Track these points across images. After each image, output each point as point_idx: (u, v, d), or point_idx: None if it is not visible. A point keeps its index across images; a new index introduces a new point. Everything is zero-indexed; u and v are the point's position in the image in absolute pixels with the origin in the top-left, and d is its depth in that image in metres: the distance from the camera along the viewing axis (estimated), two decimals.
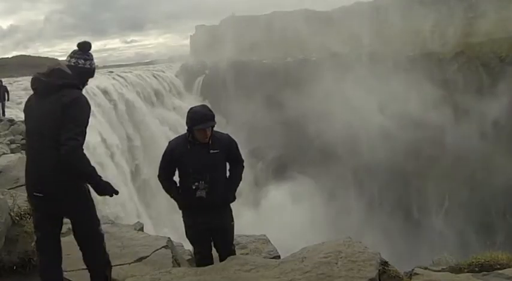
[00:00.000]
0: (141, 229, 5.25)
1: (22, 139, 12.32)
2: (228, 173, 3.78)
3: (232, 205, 3.83)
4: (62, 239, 4.31)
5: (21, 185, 5.92)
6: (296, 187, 31.55)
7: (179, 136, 3.72)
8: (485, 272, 3.69)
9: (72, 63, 3.13)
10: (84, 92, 3.20)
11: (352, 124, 31.41)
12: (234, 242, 4.00)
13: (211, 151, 3.57)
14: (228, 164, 3.77)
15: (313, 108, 33.96)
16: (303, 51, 43.24)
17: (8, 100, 18.05)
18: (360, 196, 32.36)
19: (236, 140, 3.82)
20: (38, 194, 3.01)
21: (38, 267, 3.66)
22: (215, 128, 3.65)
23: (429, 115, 31.01)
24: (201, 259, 3.86)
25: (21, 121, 15.13)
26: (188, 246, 4.46)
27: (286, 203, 29.54)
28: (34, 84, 3.07)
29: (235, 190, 3.78)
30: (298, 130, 35.96)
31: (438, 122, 30.94)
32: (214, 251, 3.91)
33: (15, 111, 19.33)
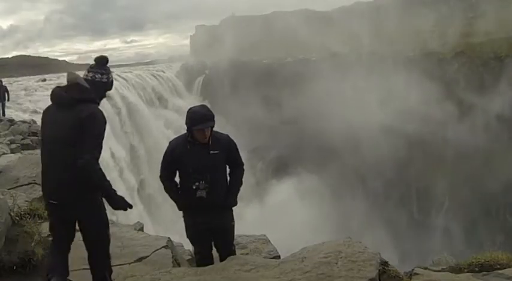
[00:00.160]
0: (141, 229, 5.26)
1: (22, 139, 12.30)
2: (228, 177, 3.77)
3: None
4: None
5: (21, 185, 5.94)
6: (297, 186, 31.53)
7: (179, 136, 3.72)
8: (485, 272, 3.69)
9: (90, 78, 3.24)
10: None
11: (352, 124, 31.41)
12: (234, 242, 4.00)
13: (211, 152, 3.57)
14: (228, 168, 3.76)
15: (314, 107, 33.96)
16: (303, 51, 43.26)
17: (8, 100, 18.04)
18: (361, 195, 32.37)
19: (236, 140, 3.81)
20: (53, 202, 3.17)
21: (39, 267, 3.67)
22: (215, 128, 3.66)
23: (429, 115, 31.04)
24: (201, 259, 3.86)
25: (21, 121, 15.13)
26: (188, 246, 4.46)
27: (287, 202, 29.50)
28: (53, 98, 3.21)
29: (237, 195, 3.77)
30: (298, 130, 35.98)
31: (438, 121, 30.97)
32: (214, 251, 3.91)
33: (15, 112, 19.36)
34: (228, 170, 3.79)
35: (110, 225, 3.42)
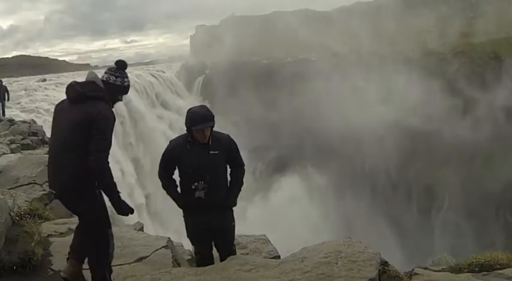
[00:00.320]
0: (141, 229, 5.25)
1: (22, 139, 12.28)
2: (229, 178, 3.76)
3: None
4: (61, 239, 4.33)
5: (21, 185, 5.94)
6: (298, 186, 31.56)
7: (179, 136, 3.72)
8: (485, 272, 3.69)
9: (105, 79, 3.34)
10: None
11: (352, 123, 31.41)
12: (234, 242, 3.99)
13: (211, 152, 3.56)
14: (228, 168, 3.75)
15: (314, 107, 33.96)
16: (303, 51, 43.26)
17: (8, 100, 18.02)
18: (362, 195, 32.33)
19: (236, 140, 3.81)
20: (53, 192, 3.35)
21: (39, 267, 3.67)
22: (215, 128, 3.65)
23: (429, 115, 31.03)
24: (202, 258, 3.86)
25: (21, 121, 15.12)
26: (188, 246, 4.46)
27: (288, 202, 29.51)
28: (67, 91, 3.29)
29: (237, 195, 3.77)
30: (298, 130, 35.96)
31: (439, 121, 30.97)
32: (214, 251, 3.91)
33: (15, 112, 19.34)
34: (228, 170, 3.78)
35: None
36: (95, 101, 3.19)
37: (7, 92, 17.87)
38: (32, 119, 16.61)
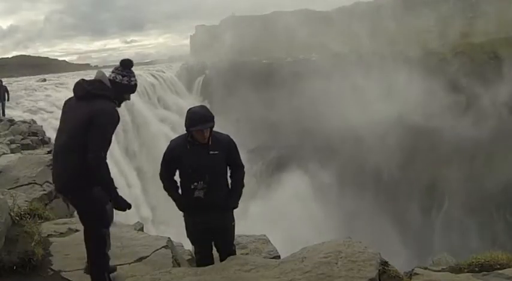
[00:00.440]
0: (141, 229, 5.25)
1: (22, 139, 12.28)
2: (229, 180, 3.76)
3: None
4: (61, 239, 4.33)
5: (21, 185, 5.94)
6: (298, 186, 31.57)
7: (180, 136, 3.71)
8: (485, 272, 3.69)
9: (111, 78, 3.38)
10: None
11: (352, 123, 31.42)
12: (234, 242, 3.99)
13: (211, 152, 3.56)
14: (228, 170, 3.75)
15: (314, 107, 33.98)
16: (303, 51, 43.27)
17: (8, 100, 18.02)
18: (362, 194, 32.31)
19: (236, 140, 3.80)
20: (56, 187, 3.41)
21: (39, 267, 3.67)
22: (215, 129, 3.65)
23: (430, 114, 31.06)
24: (201, 258, 3.86)
25: (21, 121, 15.13)
26: (188, 246, 4.46)
27: (288, 202, 29.53)
28: (75, 88, 3.36)
29: (239, 197, 3.76)
30: (298, 129, 35.97)
31: (439, 120, 30.98)
32: (214, 251, 3.91)
33: (15, 112, 19.33)
34: (229, 172, 3.78)
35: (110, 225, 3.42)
36: (99, 99, 3.23)
37: (7, 92, 17.87)
38: (32, 119, 16.62)
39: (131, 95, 3.57)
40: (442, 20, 44.04)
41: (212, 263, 3.82)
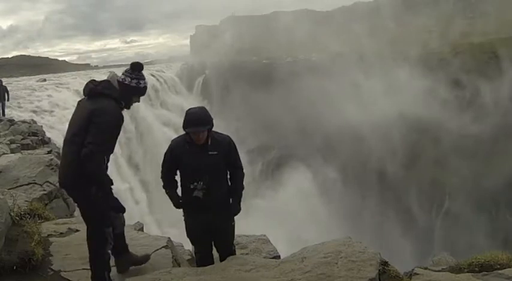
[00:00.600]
0: (141, 229, 5.25)
1: (22, 139, 12.30)
2: (229, 182, 3.75)
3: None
4: (61, 239, 4.33)
5: (21, 185, 5.94)
6: (298, 185, 31.57)
7: (180, 136, 3.71)
8: (485, 272, 3.69)
9: (120, 80, 3.43)
10: None
11: (352, 123, 31.42)
12: (234, 242, 3.99)
13: (210, 152, 3.55)
14: (228, 172, 3.74)
15: (314, 107, 33.98)
16: (303, 51, 43.26)
17: (8, 100, 18.04)
18: (362, 194, 32.32)
19: (236, 140, 3.80)
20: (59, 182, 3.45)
21: (39, 267, 3.67)
22: (216, 129, 3.65)
23: (429, 114, 31.05)
24: (201, 258, 3.86)
25: (21, 121, 15.14)
26: (188, 246, 4.46)
27: (288, 202, 29.53)
28: (84, 88, 3.44)
29: (241, 200, 3.76)
30: (298, 129, 35.96)
31: (439, 119, 30.98)
32: (214, 251, 3.91)
33: (15, 111, 19.33)
34: (228, 174, 3.77)
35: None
36: (103, 98, 3.28)
37: (7, 92, 17.89)
38: (32, 119, 16.64)
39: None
40: (442, 20, 44.06)
41: (212, 263, 3.82)
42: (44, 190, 5.94)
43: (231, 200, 3.75)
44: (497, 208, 27.92)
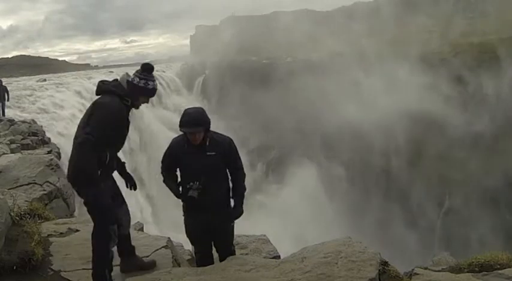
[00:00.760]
0: (141, 229, 5.26)
1: (22, 139, 12.32)
2: (231, 184, 3.74)
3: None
4: (61, 239, 4.33)
5: (21, 185, 5.93)
6: (298, 185, 31.59)
7: (180, 135, 3.71)
8: (485, 272, 3.69)
9: (130, 79, 3.47)
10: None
11: (352, 122, 31.42)
12: (234, 242, 3.99)
13: (208, 153, 3.55)
14: (229, 174, 3.72)
15: (314, 107, 33.99)
16: (303, 51, 43.25)
17: (8, 100, 18.04)
18: (364, 191, 32.30)
19: (236, 140, 3.79)
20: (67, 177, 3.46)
21: (39, 267, 3.67)
22: (216, 130, 3.65)
23: (429, 113, 31.05)
24: (201, 258, 3.86)
25: (21, 121, 15.15)
26: (188, 246, 4.46)
27: (288, 202, 29.55)
28: (96, 88, 3.53)
29: (243, 201, 3.74)
30: (299, 129, 35.98)
31: (439, 119, 30.99)
32: (214, 250, 3.91)
33: (16, 111, 19.34)
34: (229, 176, 3.75)
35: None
36: (107, 95, 3.36)
37: (7, 92, 17.89)
38: (32, 119, 16.65)
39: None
40: (442, 20, 44.07)
41: (212, 263, 3.82)
42: (44, 190, 5.94)
43: (232, 201, 3.74)
44: (501, 204, 27.87)
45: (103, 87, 3.40)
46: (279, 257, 4.56)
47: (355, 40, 41.12)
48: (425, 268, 4.10)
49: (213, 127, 3.70)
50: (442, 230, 28.75)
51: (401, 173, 31.49)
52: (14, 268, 3.56)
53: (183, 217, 3.81)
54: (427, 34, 40.08)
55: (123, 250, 3.61)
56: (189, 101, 35.28)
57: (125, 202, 3.69)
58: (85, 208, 3.42)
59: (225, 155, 3.62)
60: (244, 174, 3.77)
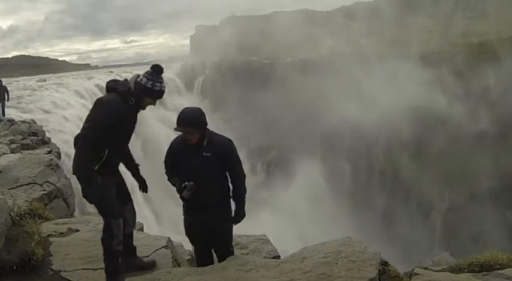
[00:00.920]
0: (141, 229, 5.25)
1: (22, 139, 12.32)
2: (231, 186, 3.71)
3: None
4: (61, 239, 4.32)
5: (21, 185, 5.93)
6: (298, 185, 31.61)
7: (181, 135, 3.69)
8: (485, 272, 3.69)
9: (138, 79, 3.48)
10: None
11: (352, 122, 31.45)
12: (234, 243, 3.98)
13: (204, 154, 3.53)
14: (228, 174, 3.70)
15: (314, 107, 34.01)
16: (303, 51, 43.24)
17: (8, 100, 18.04)
18: (360, 193, 32.34)
19: (237, 140, 3.79)
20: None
21: (39, 267, 3.67)
22: (216, 129, 3.64)
23: (430, 112, 31.08)
24: (201, 258, 3.86)
25: (21, 121, 15.15)
26: (188, 246, 4.46)
27: (288, 201, 29.55)
28: None
29: (244, 205, 3.72)
30: (299, 129, 35.98)
31: (439, 119, 31.01)
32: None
33: (16, 112, 19.35)
34: (229, 178, 3.73)
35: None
36: (111, 93, 3.41)
37: (7, 92, 17.89)
38: (32, 119, 16.65)
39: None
40: (442, 19, 44.07)
41: (212, 262, 3.81)
42: (44, 190, 5.94)
43: (232, 203, 3.72)
44: (497, 206, 27.88)
45: (108, 85, 3.45)
46: (279, 257, 4.56)
47: (355, 40, 41.10)
48: (425, 268, 4.10)
49: (213, 127, 3.69)
50: (443, 228, 28.76)
51: (403, 172, 31.51)
52: (14, 268, 3.56)
53: (182, 217, 3.81)
54: (427, 34, 40.06)
55: (124, 249, 3.58)
56: (189, 101, 35.30)
57: (131, 200, 3.70)
58: (85, 208, 3.43)
59: (222, 156, 3.58)
60: (245, 175, 3.73)
